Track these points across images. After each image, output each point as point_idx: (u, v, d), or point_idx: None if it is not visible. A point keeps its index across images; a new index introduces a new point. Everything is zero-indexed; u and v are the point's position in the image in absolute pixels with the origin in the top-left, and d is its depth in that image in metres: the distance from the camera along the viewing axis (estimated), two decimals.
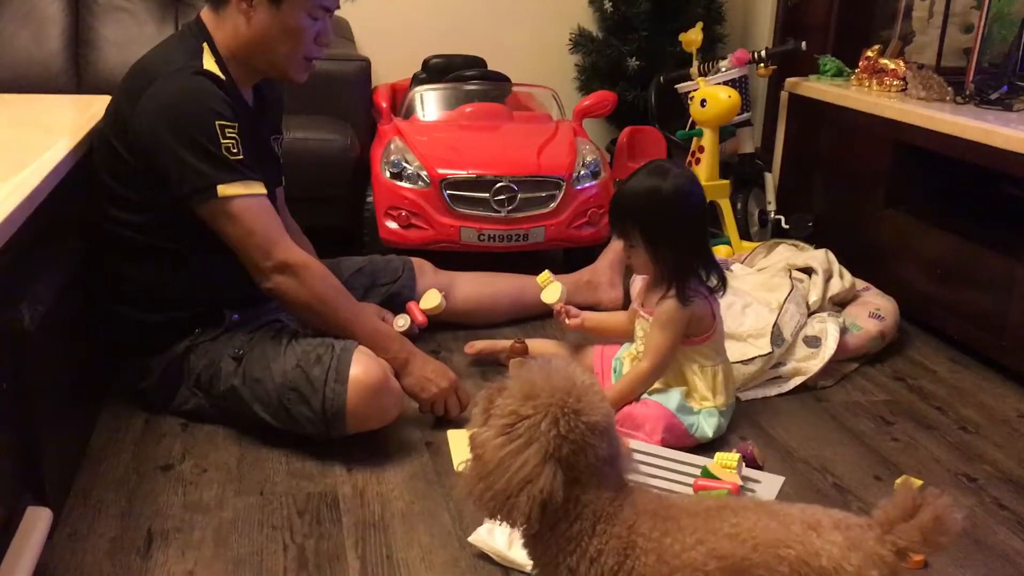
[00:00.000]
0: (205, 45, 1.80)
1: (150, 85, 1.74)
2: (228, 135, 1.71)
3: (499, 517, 1.03)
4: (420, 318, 2.24)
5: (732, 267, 2.62)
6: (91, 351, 1.90)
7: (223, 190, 1.71)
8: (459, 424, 1.84)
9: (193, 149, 1.70)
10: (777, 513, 1.03)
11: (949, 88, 2.57)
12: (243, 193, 1.73)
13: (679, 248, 1.83)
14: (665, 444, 1.79)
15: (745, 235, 2.98)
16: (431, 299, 2.26)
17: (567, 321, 2.07)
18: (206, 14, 1.85)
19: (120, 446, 1.81)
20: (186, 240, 1.82)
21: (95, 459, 1.76)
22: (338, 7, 1.87)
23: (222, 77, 1.79)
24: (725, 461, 1.64)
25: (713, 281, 1.88)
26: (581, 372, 1.05)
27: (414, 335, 2.19)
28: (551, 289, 2.16)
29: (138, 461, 1.76)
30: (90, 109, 2.04)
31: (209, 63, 1.78)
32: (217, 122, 1.71)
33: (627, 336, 2.04)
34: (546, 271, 2.19)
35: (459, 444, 1.79)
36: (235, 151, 1.72)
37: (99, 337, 1.93)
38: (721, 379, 1.89)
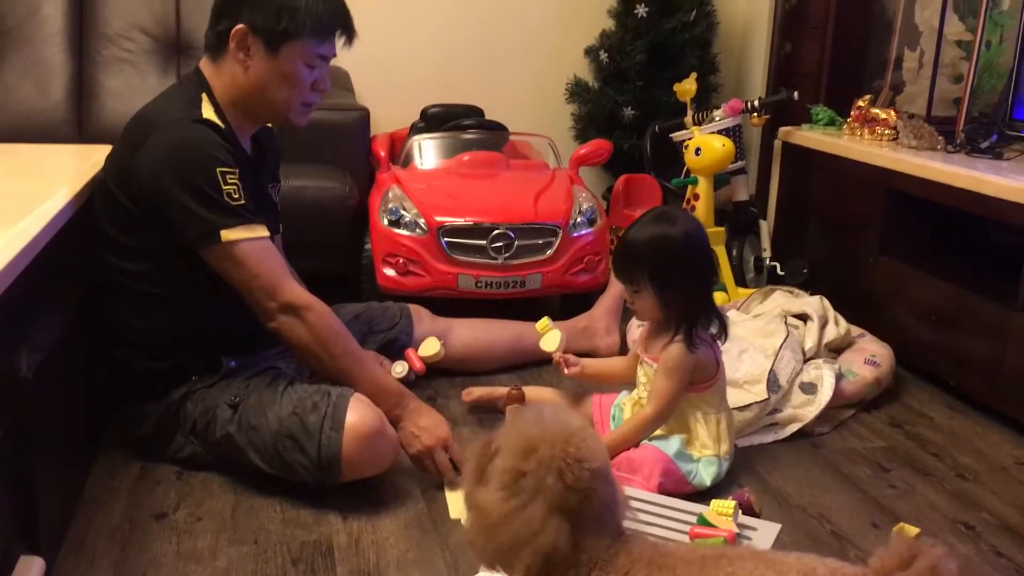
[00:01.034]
0: (204, 95, 1.83)
1: (150, 134, 1.77)
2: (229, 181, 1.74)
3: (499, 568, 1.03)
4: (418, 365, 2.24)
5: (728, 313, 2.63)
6: (88, 398, 1.90)
7: (226, 235, 1.73)
8: (452, 483, 1.83)
9: (196, 196, 1.72)
10: (773, 562, 1.03)
11: (940, 137, 2.60)
12: (246, 237, 1.75)
13: (688, 294, 1.84)
14: (662, 489, 1.78)
15: (741, 282, 3.00)
16: (430, 347, 2.27)
17: (566, 370, 2.07)
18: (205, 64, 1.88)
19: (115, 494, 1.80)
20: (185, 288, 1.83)
21: (89, 507, 1.75)
22: (334, 55, 1.90)
23: (221, 125, 1.81)
24: (721, 508, 1.63)
25: (715, 328, 1.88)
26: (573, 417, 1.05)
27: (411, 382, 2.19)
28: (550, 337, 2.16)
29: (132, 509, 1.75)
30: (91, 158, 2.07)
31: (208, 112, 1.81)
32: (218, 168, 1.73)
33: (626, 382, 2.04)
34: (545, 318, 2.20)
35: (456, 501, 1.78)
36: (237, 196, 1.75)
37: (96, 384, 1.93)
38: (724, 427, 1.89)
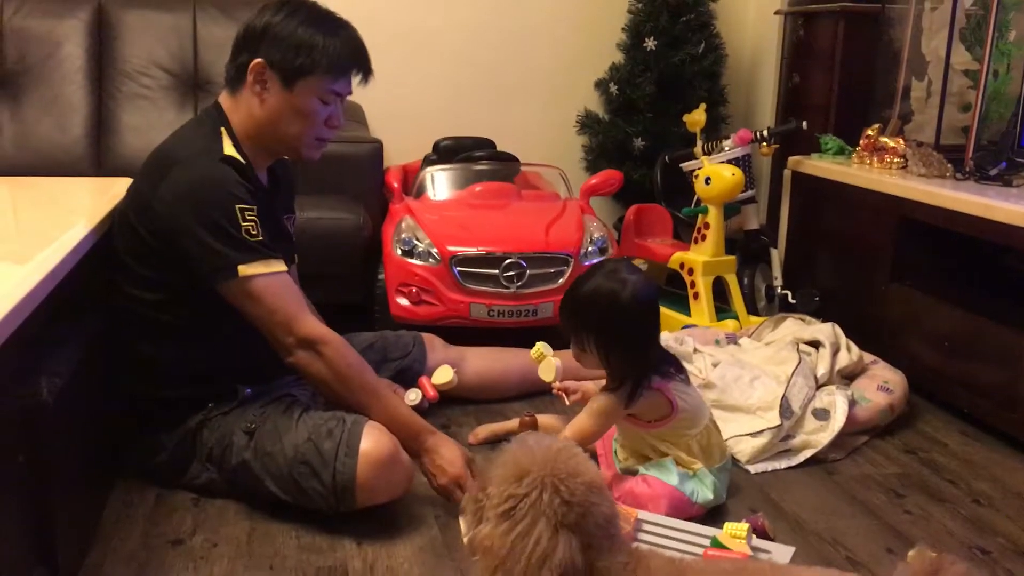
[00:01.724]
0: (223, 129, 1.87)
1: (171, 169, 1.80)
2: (248, 218, 1.77)
3: None
4: (431, 393, 2.25)
5: (740, 341, 2.64)
6: (106, 425, 1.92)
7: (244, 270, 1.76)
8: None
9: (214, 232, 1.75)
10: None
11: (948, 165, 2.62)
12: (264, 272, 1.78)
13: (631, 352, 1.82)
14: None
15: (752, 310, 3.01)
16: (443, 375, 2.28)
17: (567, 401, 2.07)
18: (224, 98, 1.92)
19: (132, 521, 1.82)
20: (202, 318, 1.86)
21: (107, 534, 1.76)
22: (350, 93, 1.94)
23: (241, 161, 1.85)
24: (734, 531, 1.63)
25: (670, 368, 1.87)
26: (555, 440, 1.06)
27: (424, 409, 2.21)
28: (545, 366, 2.11)
29: (149, 536, 1.76)
30: (110, 191, 2.10)
31: (229, 148, 1.84)
32: (237, 206, 1.76)
33: None
34: (538, 345, 2.14)
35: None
36: (255, 233, 1.78)
37: (114, 411, 1.95)
38: (697, 449, 1.88)
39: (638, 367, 1.82)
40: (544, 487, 1.02)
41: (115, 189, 2.09)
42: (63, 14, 2.99)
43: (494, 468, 1.07)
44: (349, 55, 1.87)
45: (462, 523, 1.77)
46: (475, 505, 1.08)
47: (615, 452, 2.01)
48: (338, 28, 1.87)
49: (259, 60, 1.82)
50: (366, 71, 1.93)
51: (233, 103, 1.89)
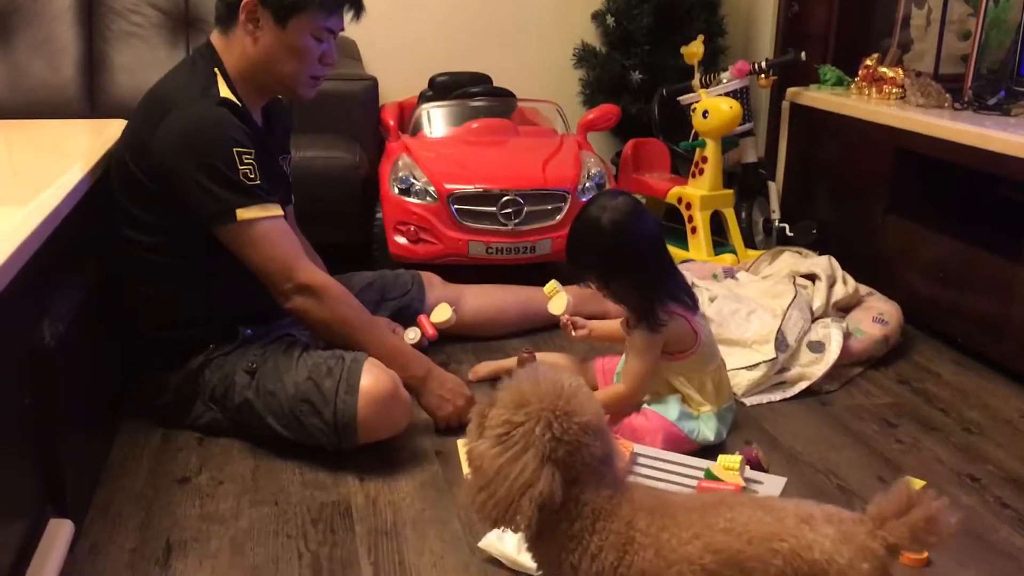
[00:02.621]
0: (217, 71, 1.85)
1: (168, 112, 1.80)
2: (246, 161, 1.77)
3: (502, 524, 1.06)
4: (430, 331, 2.28)
5: (737, 275, 2.66)
6: (109, 368, 1.95)
7: (242, 214, 1.77)
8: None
9: (212, 176, 1.75)
10: (772, 508, 1.07)
11: (947, 95, 2.60)
12: (261, 216, 1.79)
13: (634, 281, 1.83)
14: None
15: (750, 243, 3.02)
16: (442, 313, 2.30)
17: (573, 332, 2.10)
18: (215, 37, 1.90)
19: (138, 460, 1.85)
20: (201, 260, 1.87)
21: (114, 473, 1.80)
22: (343, 29, 1.92)
23: (237, 103, 1.84)
24: (728, 463, 1.67)
25: (685, 297, 1.89)
26: (568, 376, 1.08)
27: (424, 348, 2.23)
28: (557, 300, 2.18)
29: (155, 475, 1.80)
30: (104, 133, 2.10)
31: (224, 90, 1.84)
32: (235, 149, 1.76)
33: None
34: (552, 281, 2.21)
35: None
36: (252, 176, 1.78)
37: (116, 354, 1.98)
38: (711, 388, 1.91)
39: (645, 291, 1.83)
40: (539, 420, 1.05)
41: (110, 131, 2.09)
42: None
43: (501, 390, 1.10)
44: None
45: (461, 447, 1.82)
46: (480, 419, 1.11)
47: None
48: None
49: None
50: (358, 7, 1.91)
51: (225, 42, 1.88)
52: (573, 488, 1.06)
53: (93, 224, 1.86)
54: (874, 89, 2.83)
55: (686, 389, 1.92)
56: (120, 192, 1.89)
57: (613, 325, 2.15)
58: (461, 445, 1.87)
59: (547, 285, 2.21)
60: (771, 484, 1.70)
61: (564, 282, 2.19)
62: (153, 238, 1.88)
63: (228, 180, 1.76)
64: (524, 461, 1.03)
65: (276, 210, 1.82)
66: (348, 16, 1.91)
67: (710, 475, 1.65)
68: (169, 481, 1.78)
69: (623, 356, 2.06)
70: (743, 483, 1.64)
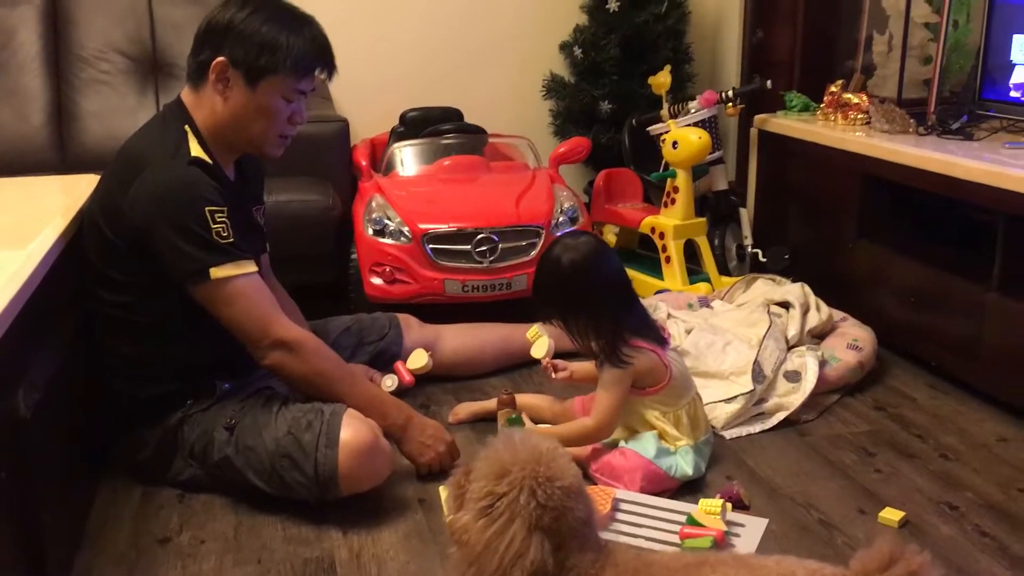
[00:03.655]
0: (188, 128, 1.85)
1: (140, 172, 1.79)
2: (218, 220, 1.77)
3: None
4: (407, 378, 2.28)
5: (712, 304, 2.68)
6: (87, 427, 1.93)
7: (216, 272, 1.76)
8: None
9: (185, 236, 1.75)
10: (754, 567, 1.07)
11: (911, 120, 2.64)
12: (236, 273, 1.79)
13: (596, 319, 1.87)
14: (645, 492, 1.82)
15: (724, 270, 3.04)
16: (418, 359, 2.30)
17: (554, 375, 2.11)
18: (186, 94, 1.90)
19: (119, 521, 1.84)
20: (176, 318, 1.87)
21: (95, 535, 1.79)
22: (314, 89, 1.93)
23: (209, 161, 1.84)
24: (709, 508, 1.68)
25: (651, 332, 1.92)
26: (543, 439, 1.09)
27: (402, 391, 2.23)
28: (539, 344, 2.21)
29: (137, 535, 1.79)
30: (77, 190, 2.09)
31: (195, 149, 1.83)
32: (207, 208, 1.76)
33: None
34: (535, 326, 2.23)
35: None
36: (225, 234, 1.78)
37: (96, 413, 1.96)
38: (686, 421, 1.93)
39: (603, 330, 1.86)
40: (523, 488, 1.05)
41: (81, 188, 2.08)
42: (15, 2, 2.94)
43: (479, 460, 1.10)
44: (313, 54, 1.87)
45: (443, 493, 1.82)
46: (457, 489, 1.11)
47: None
48: (302, 26, 1.86)
49: (222, 59, 1.81)
50: (330, 68, 1.93)
51: (196, 100, 1.88)
52: (559, 553, 1.07)
53: (67, 285, 1.85)
54: (839, 115, 2.87)
55: (661, 424, 1.93)
56: (93, 253, 1.88)
57: (591, 367, 2.16)
58: (443, 491, 1.88)
59: (530, 330, 2.24)
60: (753, 526, 1.72)
61: (530, 314, 2.20)
62: (127, 297, 1.87)
63: (201, 240, 1.76)
64: (512, 532, 1.03)
65: (250, 267, 1.82)
66: (321, 77, 1.92)
67: (692, 521, 1.65)
68: (151, 541, 1.77)
69: None
70: (725, 527, 1.65)
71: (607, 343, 1.87)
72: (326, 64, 1.89)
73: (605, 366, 1.88)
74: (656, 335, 1.93)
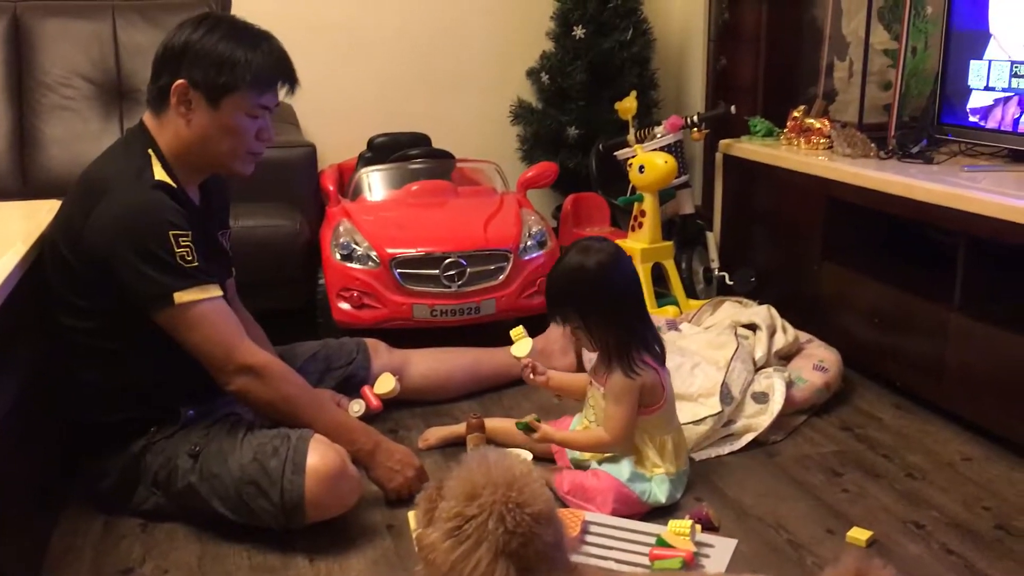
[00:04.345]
0: (151, 152, 1.84)
1: (102, 197, 1.77)
2: (183, 244, 1.75)
3: None
4: (375, 403, 2.26)
5: (680, 327, 2.69)
6: (48, 455, 1.90)
7: (180, 297, 1.74)
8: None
9: (148, 260, 1.73)
10: None
11: (872, 144, 2.68)
12: (200, 298, 1.77)
13: (613, 323, 1.88)
14: (616, 514, 1.82)
15: (692, 293, 3.06)
16: (385, 383, 2.29)
17: (532, 377, 2.08)
18: (148, 118, 1.89)
19: (79, 551, 1.80)
20: (137, 342, 1.84)
21: (54, 566, 1.75)
22: (277, 105, 1.92)
23: (173, 185, 1.82)
24: (678, 528, 1.68)
25: (657, 350, 1.92)
26: (518, 462, 1.08)
27: (369, 419, 2.21)
28: (522, 344, 2.17)
29: (98, 566, 1.75)
30: (37, 216, 2.06)
31: (159, 172, 1.82)
32: (171, 232, 1.74)
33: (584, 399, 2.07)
34: (520, 326, 2.21)
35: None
36: (190, 259, 1.76)
37: (55, 441, 1.93)
38: (671, 448, 1.93)
39: (622, 332, 1.87)
40: (492, 513, 1.05)
41: (42, 214, 2.05)
42: None
43: (452, 479, 1.09)
44: (272, 68, 1.86)
45: (411, 519, 1.80)
46: (427, 504, 1.10)
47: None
48: (259, 41, 1.85)
49: (181, 81, 1.80)
50: (292, 82, 1.91)
51: (158, 124, 1.87)
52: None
53: (28, 312, 1.82)
54: (802, 140, 2.91)
55: (646, 448, 1.93)
56: (55, 278, 1.85)
57: (573, 378, 2.14)
58: (411, 516, 1.86)
59: (515, 329, 2.20)
60: (722, 547, 1.71)
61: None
62: (89, 323, 1.84)
63: (165, 264, 1.74)
64: (478, 556, 1.02)
65: (215, 291, 1.80)
66: (282, 91, 1.91)
67: (661, 542, 1.65)
68: (112, 572, 1.73)
69: (576, 418, 2.07)
70: (694, 548, 1.65)
71: (622, 346, 1.87)
72: (287, 78, 1.88)
73: (614, 374, 1.88)
74: (661, 355, 1.94)
